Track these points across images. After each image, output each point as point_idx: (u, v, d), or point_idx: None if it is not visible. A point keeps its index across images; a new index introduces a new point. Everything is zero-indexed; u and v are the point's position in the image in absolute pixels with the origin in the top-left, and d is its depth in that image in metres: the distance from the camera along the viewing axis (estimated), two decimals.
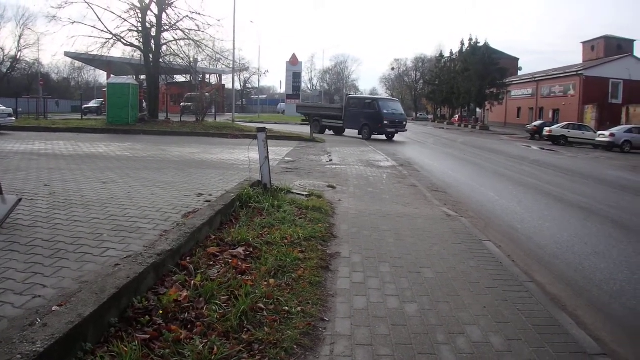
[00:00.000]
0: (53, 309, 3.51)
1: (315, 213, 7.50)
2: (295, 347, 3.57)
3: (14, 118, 25.62)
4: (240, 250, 5.41)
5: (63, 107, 56.68)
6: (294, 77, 71.04)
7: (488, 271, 5.56)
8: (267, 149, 8.69)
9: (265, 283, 4.55)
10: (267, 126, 10.57)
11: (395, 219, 7.87)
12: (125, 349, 3.18)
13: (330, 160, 16.58)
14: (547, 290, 5.34)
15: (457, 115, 75.57)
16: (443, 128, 59.95)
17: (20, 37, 63.84)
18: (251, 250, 5.48)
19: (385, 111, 30.86)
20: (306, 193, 9.21)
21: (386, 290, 4.82)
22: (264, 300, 4.16)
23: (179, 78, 44.38)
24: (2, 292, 3.83)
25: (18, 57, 65.02)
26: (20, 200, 6.13)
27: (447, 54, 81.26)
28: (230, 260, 5.03)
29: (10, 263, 4.48)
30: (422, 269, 5.48)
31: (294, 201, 8.08)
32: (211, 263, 4.99)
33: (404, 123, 32.80)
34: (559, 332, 4.14)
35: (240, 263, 5.00)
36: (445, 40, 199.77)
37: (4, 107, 24.17)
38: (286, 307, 4.12)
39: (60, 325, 3.11)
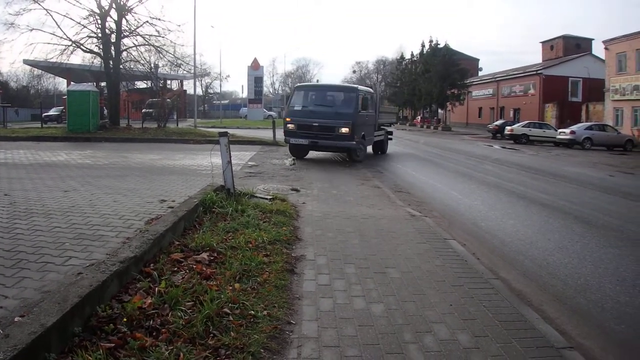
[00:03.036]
0: (15, 319, 3.45)
1: (279, 216, 7.52)
2: (262, 350, 3.57)
3: None
4: (205, 255, 5.39)
5: (23, 116, 55.52)
6: (256, 81, 70.75)
7: (453, 269, 5.64)
8: (230, 154, 8.66)
9: (230, 287, 4.54)
10: (230, 131, 10.54)
11: (359, 221, 7.93)
12: (89, 358, 3.15)
13: (294, 164, 16.60)
14: (512, 287, 5.45)
15: (419, 117, 76.28)
16: (405, 129, 60.46)
17: None
18: (215, 255, 5.46)
19: (295, 107, 18.59)
20: (270, 197, 9.22)
21: (352, 291, 4.85)
22: (230, 304, 4.16)
23: (140, 84, 43.96)
24: None
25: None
26: None
27: (408, 56, 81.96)
28: (194, 266, 5.01)
29: None
30: (388, 269, 5.53)
31: (257, 205, 8.08)
32: (175, 269, 4.95)
33: (345, 132, 17.26)
34: (525, 327, 4.22)
35: (204, 268, 4.98)
36: (406, 42, 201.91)
37: None
38: (252, 311, 4.12)
39: (23, 336, 3.06)
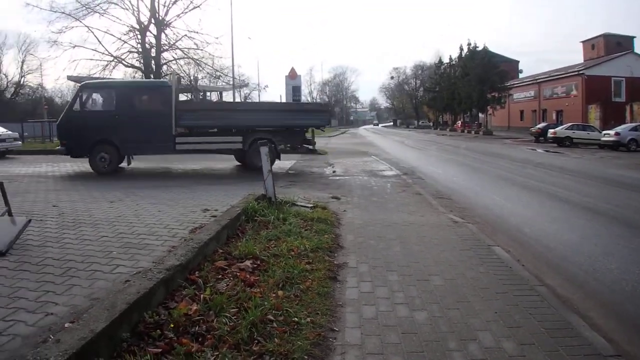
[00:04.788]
0: (65, 325, 3.55)
1: (320, 224, 7.54)
2: (305, 357, 3.59)
3: (20, 142, 25.76)
4: (248, 263, 5.44)
5: None
6: (294, 90, 70.93)
7: (497, 276, 5.55)
8: (271, 163, 8.73)
9: (274, 295, 4.57)
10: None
11: (401, 228, 7.88)
12: None
13: (334, 172, 16.64)
14: (558, 293, 5.32)
15: (459, 122, 75.47)
16: (445, 135, 59.96)
17: (22, 63, 64.28)
18: (258, 262, 5.51)
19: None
20: (311, 205, 9.24)
21: (395, 298, 4.82)
22: (273, 311, 4.19)
23: (180, 97, 44.63)
24: (14, 311, 3.89)
25: (21, 82, 65.47)
26: (29, 221, 6.21)
27: (446, 60, 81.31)
28: (238, 274, 5.07)
29: (22, 282, 4.55)
30: (431, 277, 5.48)
31: (299, 213, 8.12)
32: (219, 276, 5.02)
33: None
34: (571, 334, 4.12)
35: (248, 276, 5.03)
36: (443, 47, 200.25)
37: (9, 132, 24.36)
38: (295, 318, 4.14)
39: (73, 341, 3.15)
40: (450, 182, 15.31)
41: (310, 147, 18.37)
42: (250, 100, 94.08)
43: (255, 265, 5.41)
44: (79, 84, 16.29)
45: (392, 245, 6.81)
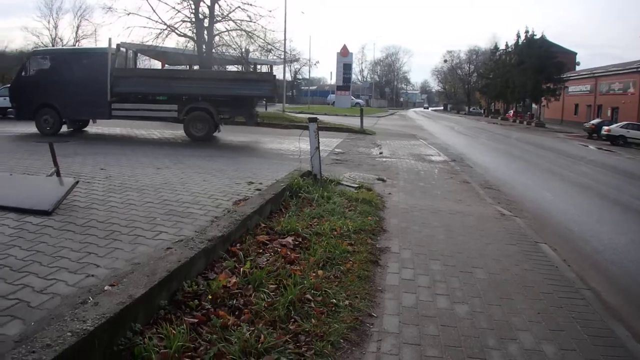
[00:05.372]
0: (105, 288, 3.57)
1: (365, 206, 7.44)
2: (341, 341, 3.54)
3: None
4: (290, 239, 5.40)
5: None
6: (345, 68, 70.34)
7: (543, 275, 5.37)
8: (318, 140, 8.65)
9: (314, 274, 4.52)
10: (317, 117, 10.42)
11: (446, 216, 7.73)
12: (173, 331, 3.21)
13: (381, 153, 16.45)
14: (603, 299, 5.12)
15: (511, 111, 73.77)
16: (496, 123, 58.76)
17: (77, 28, 65.66)
18: (300, 240, 5.47)
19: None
20: (356, 185, 9.14)
21: (436, 289, 4.72)
22: (312, 291, 4.14)
23: (231, 68, 44.82)
24: (56, 270, 3.94)
25: (75, 47, 66.93)
26: (77, 182, 6.29)
27: (502, 47, 79.21)
28: (279, 249, 5.04)
29: (66, 242, 4.61)
30: (474, 269, 5.34)
31: (343, 193, 8.04)
32: (260, 251, 5.00)
33: None
34: (615, 344, 3.97)
35: (289, 252, 5.00)
36: (500, 31, 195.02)
37: None
38: (334, 300, 4.09)
39: (111, 305, 3.17)
40: (499, 172, 14.98)
41: (257, 120, 17.49)
42: (301, 77, 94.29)
43: (296, 243, 5.37)
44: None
45: (436, 233, 6.68)
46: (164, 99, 15.98)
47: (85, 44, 67.37)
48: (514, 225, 7.57)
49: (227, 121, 16.61)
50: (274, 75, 17.36)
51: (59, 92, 15.39)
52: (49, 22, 71.60)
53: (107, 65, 15.43)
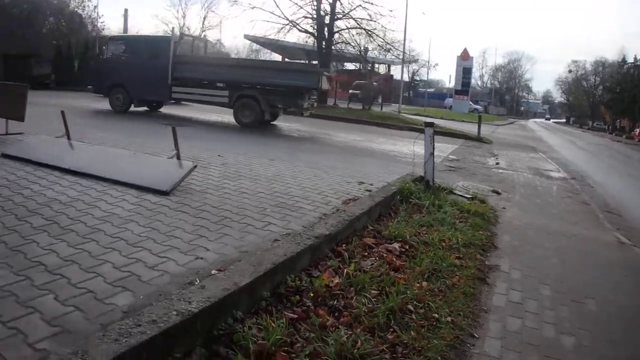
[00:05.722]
0: (212, 272, 3.66)
1: (476, 218, 7.16)
2: (439, 358, 3.40)
3: None
4: (396, 245, 5.28)
5: None
6: (464, 72, 68.65)
7: None
8: (433, 145, 8.46)
9: (418, 285, 4.39)
10: (433, 121, 10.18)
11: (562, 238, 7.29)
12: (273, 324, 3.22)
13: (497, 164, 15.88)
14: None
15: (637, 130, 69.02)
16: (621, 141, 55.06)
17: (204, 19, 68.56)
18: (407, 247, 5.34)
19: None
20: (469, 196, 8.85)
21: (544, 316, 4.43)
22: (414, 302, 4.02)
23: (349, 65, 45.08)
24: (168, 249, 4.09)
25: (202, 37, 70.12)
26: (195, 166, 6.54)
27: (630, 59, 74.08)
28: (384, 255, 4.95)
29: (180, 223, 4.79)
30: (586, 299, 4.96)
31: (455, 202, 7.79)
32: (366, 254, 4.93)
33: None
34: None
35: (394, 259, 4.89)
36: (628, 43, 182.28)
37: None
38: (436, 315, 3.95)
39: (217, 290, 3.24)
40: (622, 195, 13.97)
41: (302, 114, 17.47)
42: (419, 78, 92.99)
43: (403, 250, 5.25)
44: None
45: (549, 255, 6.31)
46: (217, 85, 16.88)
47: (211, 34, 70.38)
48: (633, 256, 7.01)
49: (293, 112, 17.15)
50: (317, 66, 18.30)
51: (129, 74, 17.10)
52: (177, 12, 75.39)
53: (170, 52, 16.89)
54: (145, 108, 18.84)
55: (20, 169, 6.66)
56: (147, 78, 16.97)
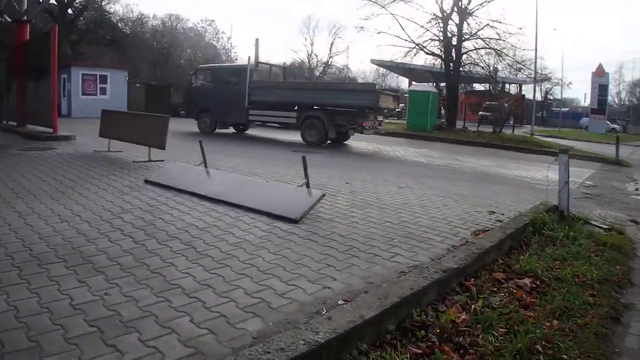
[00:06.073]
0: (339, 302, 3.73)
1: (613, 251, 6.68)
2: None
3: None
4: (527, 281, 5.06)
5: None
6: (600, 89, 63.99)
7: None
8: (568, 173, 8.05)
9: (548, 324, 4.18)
10: (567, 143, 9.62)
11: None
12: (397, 358, 3.22)
13: (637, 189, 14.74)
14: None
15: None
16: None
17: (331, 45, 70.55)
18: (538, 283, 5.10)
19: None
20: (606, 226, 8.29)
21: None
22: (543, 342, 3.82)
23: (477, 86, 44.09)
24: (297, 277, 4.23)
25: (329, 62, 71.78)
26: (324, 195, 6.69)
27: None
28: (514, 290, 4.76)
29: (308, 252, 4.94)
30: None
31: (591, 234, 7.33)
32: (494, 289, 4.78)
33: None
34: None
35: (525, 295, 4.69)
36: None
37: None
38: (565, 356, 3.73)
39: (343, 322, 3.30)
40: None
41: (362, 132, 17.94)
42: (552, 97, 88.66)
43: (534, 285, 5.02)
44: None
45: None
46: (287, 107, 18.22)
47: (338, 60, 72.04)
48: None
49: (358, 130, 17.83)
50: (375, 85, 19.21)
51: (213, 99, 19.37)
52: (305, 39, 78.07)
53: (247, 79, 18.61)
54: (232, 130, 21.24)
55: (161, 195, 7.17)
56: (228, 103, 18.86)
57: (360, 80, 73.45)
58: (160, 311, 3.48)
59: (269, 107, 18.62)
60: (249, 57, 19.27)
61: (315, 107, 17.62)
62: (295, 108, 17.98)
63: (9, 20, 17.25)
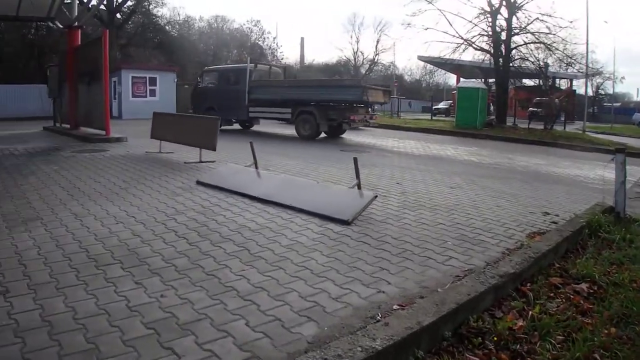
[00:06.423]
0: (394, 307, 3.69)
1: None
2: None
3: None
4: (584, 286, 4.89)
5: (415, 107, 59.98)
6: None
7: None
8: (625, 173, 7.78)
9: (606, 331, 4.02)
10: (620, 139, 9.29)
11: None
12: None
13: None
14: None
15: None
16: None
17: (377, 42, 70.03)
18: (595, 288, 4.92)
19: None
20: None
21: None
22: (601, 351, 3.68)
23: (528, 82, 43.16)
24: (350, 281, 4.21)
25: (375, 60, 71.39)
26: (375, 197, 6.66)
27: None
28: (571, 296, 4.61)
29: (361, 254, 4.91)
30: None
31: None
32: (551, 295, 4.64)
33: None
34: None
35: (582, 301, 4.54)
36: None
37: None
38: None
39: (400, 329, 3.26)
40: None
41: (350, 125, 18.64)
42: (603, 92, 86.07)
43: (591, 291, 4.85)
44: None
45: None
46: (282, 104, 19.30)
47: (384, 57, 71.60)
48: None
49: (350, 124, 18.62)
50: (360, 81, 20.01)
51: (217, 98, 20.79)
52: (351, 37, 78.05)
53: (246, 78, 19.92)
54: (238, 127, 22.70)
55: (214, 196, 7.26)
56: (230, 101, 20.20)
57: (406, 78, 72.95)
58: (216, 314, 3.51)
59: (267, 104, 19.89)
60: (249, 59, 20.92)
61: (309, 103, 18.65)
62: (288, 104, 19.11)
63: (61, 26, 17.78)
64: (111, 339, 3.14)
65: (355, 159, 6.74)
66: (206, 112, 20.35)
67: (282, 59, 57.64)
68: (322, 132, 18.69)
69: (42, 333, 3.20)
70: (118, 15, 42.70)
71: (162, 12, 47.88)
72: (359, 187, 6.77)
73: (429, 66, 70.41)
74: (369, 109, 19.83)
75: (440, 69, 69.43)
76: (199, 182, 8.19)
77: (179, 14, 52.23)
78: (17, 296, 3.74)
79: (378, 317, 3.53)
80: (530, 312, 4.10)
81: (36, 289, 3.87)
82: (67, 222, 5.80)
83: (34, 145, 13.58)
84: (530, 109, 35.11)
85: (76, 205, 6.68)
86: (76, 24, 17.27)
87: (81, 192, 7.45)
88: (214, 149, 10.02)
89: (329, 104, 18.54)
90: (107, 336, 3.18)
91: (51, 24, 18.54)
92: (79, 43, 17.30)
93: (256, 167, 8.34)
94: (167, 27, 50.49)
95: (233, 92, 20.32)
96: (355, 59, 71.32)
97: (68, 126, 17.73)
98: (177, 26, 52.83)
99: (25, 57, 39.25)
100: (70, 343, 3.08)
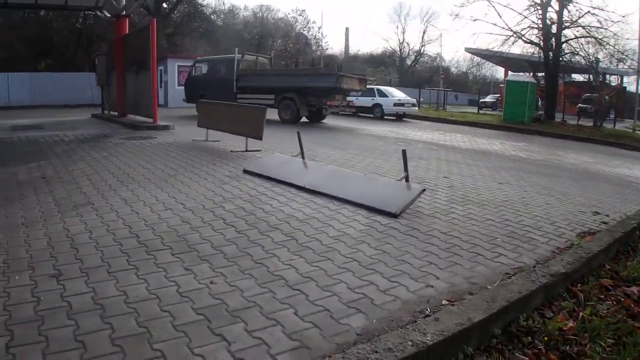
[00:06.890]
0: (443, 302, 3.67)
1: None
2: None
3: (416, 107, 28.20)
4: (635, 289, 4.76)
5: (461, 100, 59.22)
6: None
7: None
8: (293, 119, 7.69)
9: None
10: None
11: None
12: None
13: None
14: None
15: None
16: None
17: (424, 33, 69.40)
18: None
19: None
20: None
21: None
22: None
23: (577, 77, 42.08)
24: (399, 274, 4.20)
25: (421, 51, 70.72)
26: (423, 190, 6.62)
27: None
28: (622, 299, 4.50)
29: (409, 248, 4.89)
30: None
31: None
32: (602, 296, 4.54)
33: None
34: None
35: (632, 305, 4.43)
36: None
37: (408, 97, 26.98)
38: None
39: (451, 325, 3.25)
40: None
41: (326, 109, 20.73)
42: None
43: None
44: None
45: None
46: (267, 91, 20.73)
47: (430, 48, 70.75)
48: None
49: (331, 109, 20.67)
50: (336, 69, 20.00)
51: (208, 86, 22.10)
52: (397, 28, 77.18)
53: (234, 68, 21.57)
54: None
55: (260, 185, 7.32)
56: (220, 88, 21.38)
57: (453, 70, 71.96)
58: (265, 302, 3.55)
59: (253, 91, 21.16)
60: (236, 50, 22.26)
61: (290, 90, 20.19)
62: (272, 91, 20.69)
63: (108, 15, 18.13)
64: (162, 324, 3.20)
65: (403, 151, 6.71)
66: (199, 99, 21.38)
67: (326, 49, 57.51)
68: (303, 117, 20.40)
69: (94, 316, 3.28)
70: (164, 5, 43.29)
71: (208, 1, 48.29)
72: (407, 180, 6.73)
73: (476, 58, 69.23)
74: (345, 96, 21.29)
75: (487, 62, 68.32)
76: (245, 171, 8.26)
77: (223, 3, 52.83)
78: (70, 279, 3.85)
79: (427, 312, 3.52)
80: (580, 314, 4.03)
81: (88, 273, 3.98)
82: (117, 208, 5.93)
83: (83, 132, 13.93)
84: (579, 105, 34.27)
85: (125, 191, 6.83)
86: (123, 13, 17.63)
87: (130, 179, 7.61)
88: (260, 139, 10.09)
89: (308, 90, 19.89)
90: (158, 321, 3.24)
91: (99, 13, 18.89)
92: (127, 32, 17.64)
93: (303, 157, 8.37)
94: (212, 17, 50.93)
95: (222, 81, 21.87)
96: (400, 49, 70.77)
97: (116, 114, 18.15)
98: (222, 15, 53.26)
99: (74, 45, 40.22)
100: (121, 326, 3.15)
